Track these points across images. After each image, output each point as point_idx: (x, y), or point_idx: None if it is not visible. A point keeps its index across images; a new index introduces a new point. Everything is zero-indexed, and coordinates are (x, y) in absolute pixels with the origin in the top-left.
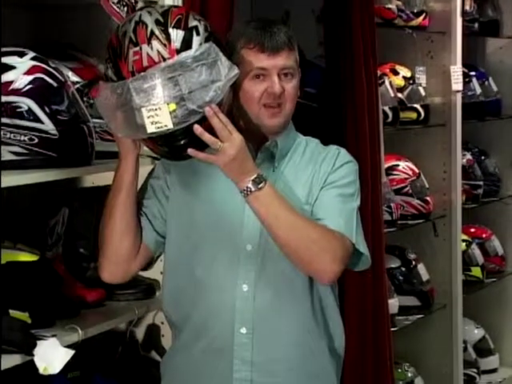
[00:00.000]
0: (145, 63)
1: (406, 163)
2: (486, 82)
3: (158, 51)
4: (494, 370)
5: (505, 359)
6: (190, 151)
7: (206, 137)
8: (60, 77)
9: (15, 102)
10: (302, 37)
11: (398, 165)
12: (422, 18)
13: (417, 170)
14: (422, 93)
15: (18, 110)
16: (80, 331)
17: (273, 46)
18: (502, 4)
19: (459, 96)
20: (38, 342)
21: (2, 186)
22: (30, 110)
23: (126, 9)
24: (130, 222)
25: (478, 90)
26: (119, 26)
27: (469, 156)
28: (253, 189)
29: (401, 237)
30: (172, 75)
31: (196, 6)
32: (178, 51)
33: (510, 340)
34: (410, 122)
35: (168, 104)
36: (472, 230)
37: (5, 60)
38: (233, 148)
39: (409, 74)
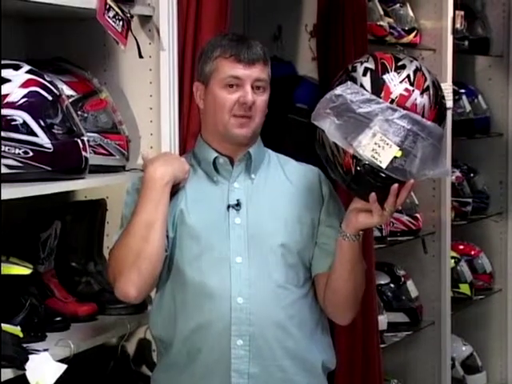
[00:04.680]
0: (408, 104)
1: None
2: (476, 100)
3: (424, 106)
4: None
5: (492, 376)
6: (372, 196)
7: (399, 200)
8: (55, 90)
9: (10, 115)
10: (295, 52)
11: None
12: (413, 35)
13: None
14: None
15: (13, 123)
16: (72, 345)
17: (249, 57)
18: (492, 22)
19: (449, 113)
20: (30, 357)
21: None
22: (24, 124)
23: (121, 23)
24: (164, 238)
25: (468, 108)
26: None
27: (458, 173)
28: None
29: (390, 253)
30: (417, 133)
31: (190, 22)
32: (434, 120)
33: (497, 357)
34: None
35: (399, 149)
36: (461, 246)
37: None
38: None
39: None
